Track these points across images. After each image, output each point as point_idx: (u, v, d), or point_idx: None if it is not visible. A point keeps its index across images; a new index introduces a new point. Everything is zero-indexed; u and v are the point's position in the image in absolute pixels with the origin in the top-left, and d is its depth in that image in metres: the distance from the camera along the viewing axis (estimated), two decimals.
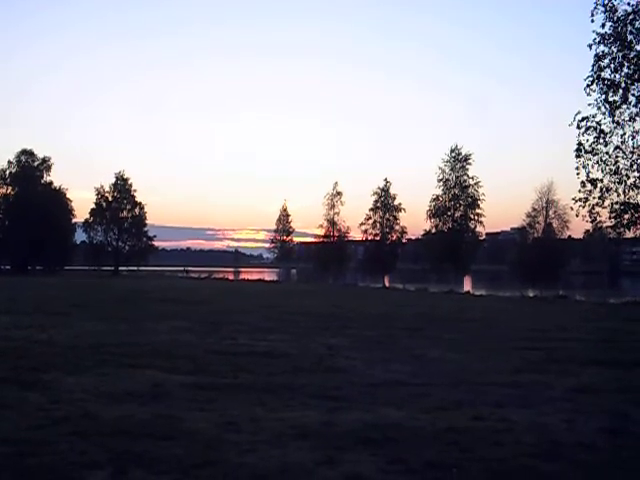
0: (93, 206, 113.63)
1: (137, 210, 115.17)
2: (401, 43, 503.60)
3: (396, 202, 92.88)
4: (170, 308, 34.32)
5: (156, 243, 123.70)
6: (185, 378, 13.97)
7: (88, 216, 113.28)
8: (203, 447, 8.86)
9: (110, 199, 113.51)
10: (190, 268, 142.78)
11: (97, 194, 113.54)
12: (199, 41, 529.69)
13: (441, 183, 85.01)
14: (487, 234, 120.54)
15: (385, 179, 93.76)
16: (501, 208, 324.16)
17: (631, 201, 25.27)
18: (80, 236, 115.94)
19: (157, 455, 8.45)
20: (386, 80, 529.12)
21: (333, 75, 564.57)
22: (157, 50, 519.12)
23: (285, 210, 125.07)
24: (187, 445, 8.94)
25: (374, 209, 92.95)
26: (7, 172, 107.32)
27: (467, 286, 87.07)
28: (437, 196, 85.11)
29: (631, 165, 25.04)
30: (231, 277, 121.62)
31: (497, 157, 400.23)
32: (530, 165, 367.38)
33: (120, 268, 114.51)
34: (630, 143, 25.10)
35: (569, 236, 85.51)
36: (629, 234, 26.97)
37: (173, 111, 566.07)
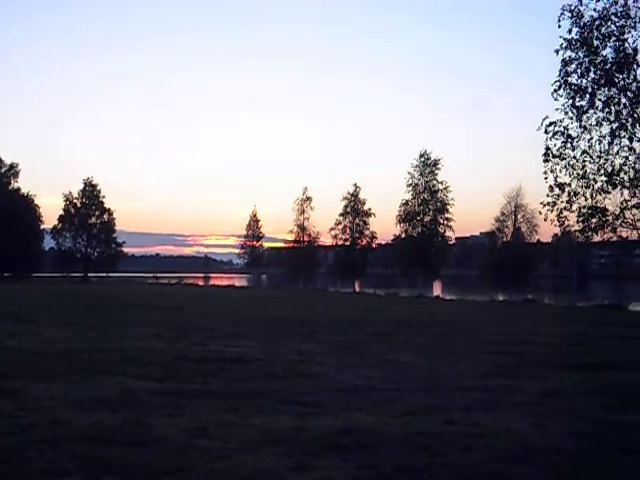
0: (62, 212, 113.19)
1: (106, 216, 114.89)
2: (370, 42, 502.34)
3: (366, 207, 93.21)
4: (139, 314, 34.15)
5: (125, 249, 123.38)
6: (155, 385, 13.90)
7: (56, 222, 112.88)
8: (174, 454, 8.82)
9: (79, 205, 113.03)
10: (160, 274, 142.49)
11: (65, 200, 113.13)
12: (167, 48, 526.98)
13: (410, 188, 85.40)
14: (457, 239, 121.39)
15: (354, 184, 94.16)
16: (471, 213, 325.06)
17: (598, 205, 25.51)
18: (49, 242, 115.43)
19: (127, 462, 8.39)
20: (356, 84, 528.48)
21: (303, 79, 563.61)
22: (123, 58, 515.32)
23: (255, 215, 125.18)
24: (157, 452, 8.90)
25: (344, 214, 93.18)
26: None
27: (437, 290, 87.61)
28: (406, 201, 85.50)
29: (598, 169, 25.24)
30: (201, 283, 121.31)
31: (467, 162, 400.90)
32: (500, 170, 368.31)
33: (89, 274, 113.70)
34: (597, 147, 25.37)
35: (538, 240, 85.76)
36: (597, 238, 27.19)
37: (142, 116, 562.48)
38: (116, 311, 36.68)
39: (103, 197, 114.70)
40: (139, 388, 13.46)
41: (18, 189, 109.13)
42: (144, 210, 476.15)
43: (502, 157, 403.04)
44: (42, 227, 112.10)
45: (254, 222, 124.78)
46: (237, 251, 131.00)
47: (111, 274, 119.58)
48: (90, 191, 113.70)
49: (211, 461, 8.52)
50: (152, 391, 13.21)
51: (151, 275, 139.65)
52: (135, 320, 30.01)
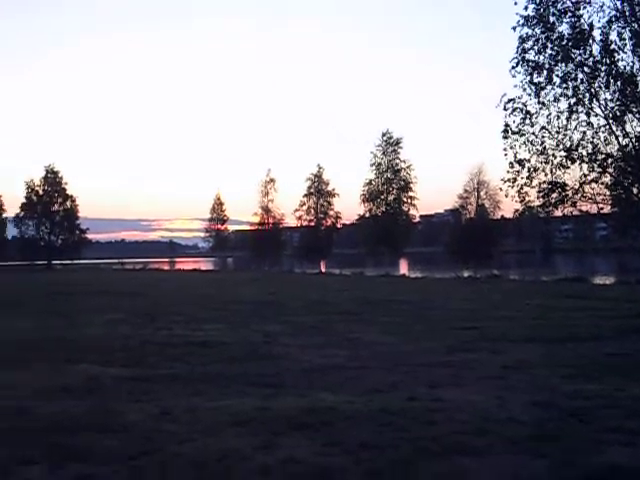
0: (24, 200, 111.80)
1: (69, 203, 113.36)
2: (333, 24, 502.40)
3: (329, 187, 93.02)
4: (105, 301, 34.00)
5: (90, 236, 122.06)
6: (121, 371, 13.91)
7: (19, 211, 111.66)
8: (140, 438, 8.85)
9: (41, 193, 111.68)
10: (125, 260, 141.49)
11: (27, 188, 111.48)
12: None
13: (374, 167, 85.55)
14: (421, 216, 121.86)
15: (318, 165, 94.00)
16: (435, 190, 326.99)
17: (558, 180, 25.60)
18: (12, 231, 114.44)
19: (93, 448, 8.42)
20: (313, 71, 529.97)
21: (264, 60, 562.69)
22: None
23: (219, 199, 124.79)
24: (123, 437, 8.93)
25: (308, 195, 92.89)
26: None
27: (403, 269, 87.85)
28: (370, 180, 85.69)
29: (557, 145, 25.34)
30: (166, 267, 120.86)
31: (430, 140, 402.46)
32: (463, 147, 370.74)
33: (54, 262, 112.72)
34: (555, 123, 25.37)
35: (502, 216, 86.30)
36: (558, 212, 27.30)
37: (103, 98, 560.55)
38: (81, 298, 36.50)
39: (65, 184, 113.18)
40: (105, 375, 13.47)
41: None
42: (108, 196, 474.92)
43: (466, 135, 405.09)
44: (4, 216, 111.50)
45: (218, 205, 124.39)
46: (202, 235, 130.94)
47: (76, 261, 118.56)
48: (52, 178, 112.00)
49: (177, 444, 8.58)
50: (118, 377, 13.22)
51: (117, 261, 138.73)
52: (100, 307, 29.90)
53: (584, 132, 25.27)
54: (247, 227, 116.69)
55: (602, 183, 25.63)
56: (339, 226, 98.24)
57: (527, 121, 25.78)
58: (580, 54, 25.06)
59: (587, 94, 25.10)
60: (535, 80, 25.62)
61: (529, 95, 25.80)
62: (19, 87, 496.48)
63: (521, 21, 25.75)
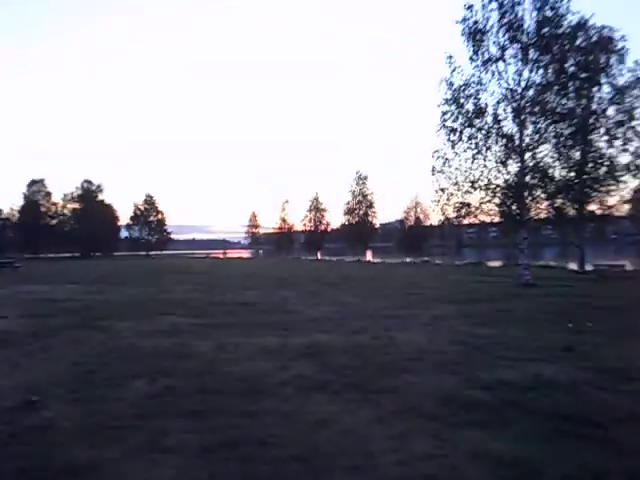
0: (132, 214, 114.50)
1: (160, 216, 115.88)
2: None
3: (322, 206, 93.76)
4: (181, 276, 33.93)
5: (173, 236, 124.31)
6: (193, 320, 13.88)
7: (129, 221, 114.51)
8: (206, 362, 8.87)
9: (142, 210, 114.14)
10: (197, 251, 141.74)
11: (134, 206, 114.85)
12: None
13: (350, 193, 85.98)
14: (380, 224, 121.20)
15: (316, 192, 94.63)
16: (389, 207, 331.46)
17: (465, 201, 25.80)
18: (124, 233, 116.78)
19: (176, 368, 8.44)
20: (300, 107, 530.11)
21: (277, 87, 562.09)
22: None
23: (254, 213, 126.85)
24: (196, 362, 8.94)
25: (309, 211, 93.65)
26: (75, 194, 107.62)
27: (369, 256, 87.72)
28: (348, 201, 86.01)
29: (465, 179, 25.47)
30: (221, 256, 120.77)
31: (387, 172, 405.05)
32: (407, 178, 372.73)
33: (150, 253, 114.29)
34: (464, 165, 25.56)
35: (430, 224, 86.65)
36: (465, 221, 27.45)
37: (186, 139, 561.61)
38: (167, 275, 36.42)
39: (157, 203, 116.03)
40: (183, 323, 13.45)
41: (102, 200, 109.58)
42: (185, 209, 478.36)
43: (410, 170, 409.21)
44: (119, 224, 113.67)
45: (253, 217, 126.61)
46: (244, 235, 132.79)
47: (164, 252, 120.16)
48: (149, 200, 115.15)
49: (228, 366, 8.60)
50: (191, 324, 13.20)
51: (189, 252, 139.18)
52: (180, 280, 29.81)
53: (482, 171, 25.40)
54: (271, 230, 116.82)
55: (493, 203, 25.75)
56: (329, 230, 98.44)
57: (446, 164, 25.93)
58: (479, 122, 25.18)
59: (484, 147, 25.24)
60: (451, 139, 25.76)
61: (448, 148, 25.93)
62: (120, 131, 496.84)
63: (442, 101, 25.86)
